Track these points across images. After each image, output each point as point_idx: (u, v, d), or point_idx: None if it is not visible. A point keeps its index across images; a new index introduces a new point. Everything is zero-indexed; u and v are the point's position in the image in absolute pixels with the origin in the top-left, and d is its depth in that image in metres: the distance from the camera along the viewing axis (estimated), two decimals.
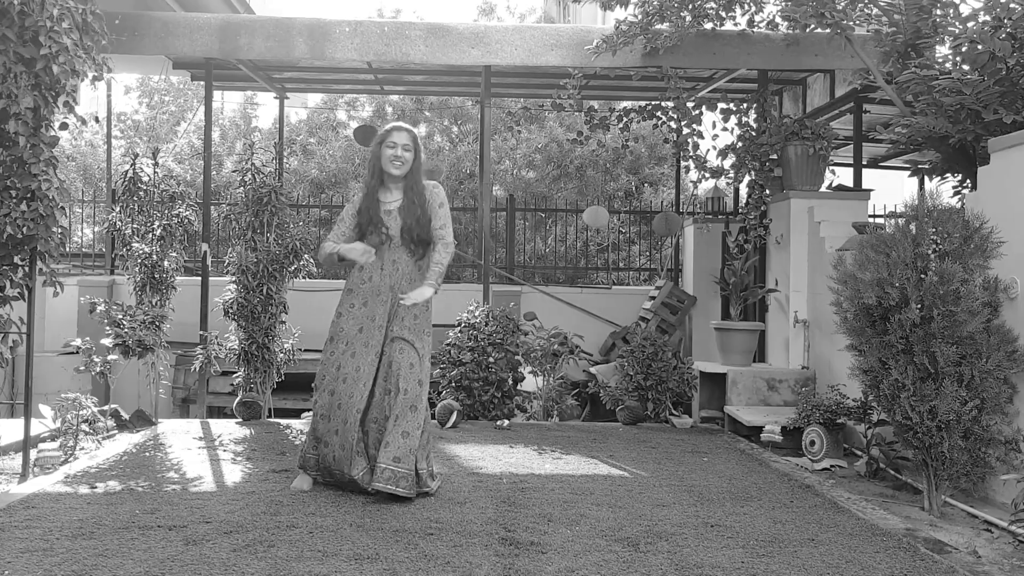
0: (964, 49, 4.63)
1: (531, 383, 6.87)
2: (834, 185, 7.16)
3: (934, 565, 3.16)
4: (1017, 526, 3.61)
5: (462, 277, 11.66)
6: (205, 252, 6.86)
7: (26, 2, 3.84)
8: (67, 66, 4.00)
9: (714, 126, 7.49)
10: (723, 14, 6.55)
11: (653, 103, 7.88)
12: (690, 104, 7.58)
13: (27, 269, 4.17)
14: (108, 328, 5.69)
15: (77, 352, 5.54)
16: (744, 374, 6.22)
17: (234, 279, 6.09)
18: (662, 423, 6.32)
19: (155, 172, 6.08)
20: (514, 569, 2.96)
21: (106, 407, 5.47)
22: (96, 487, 4.00)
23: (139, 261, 5.90)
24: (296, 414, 6.89)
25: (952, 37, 5.00)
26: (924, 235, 3.94)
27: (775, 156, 6.91)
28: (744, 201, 7.32)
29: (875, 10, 5.76)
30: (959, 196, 5.12)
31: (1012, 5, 4.52)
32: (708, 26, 6.58)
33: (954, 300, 3.76)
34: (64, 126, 4.21)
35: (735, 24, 6.73)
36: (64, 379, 6.21)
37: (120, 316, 5.69)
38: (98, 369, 5.51)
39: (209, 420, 6.24)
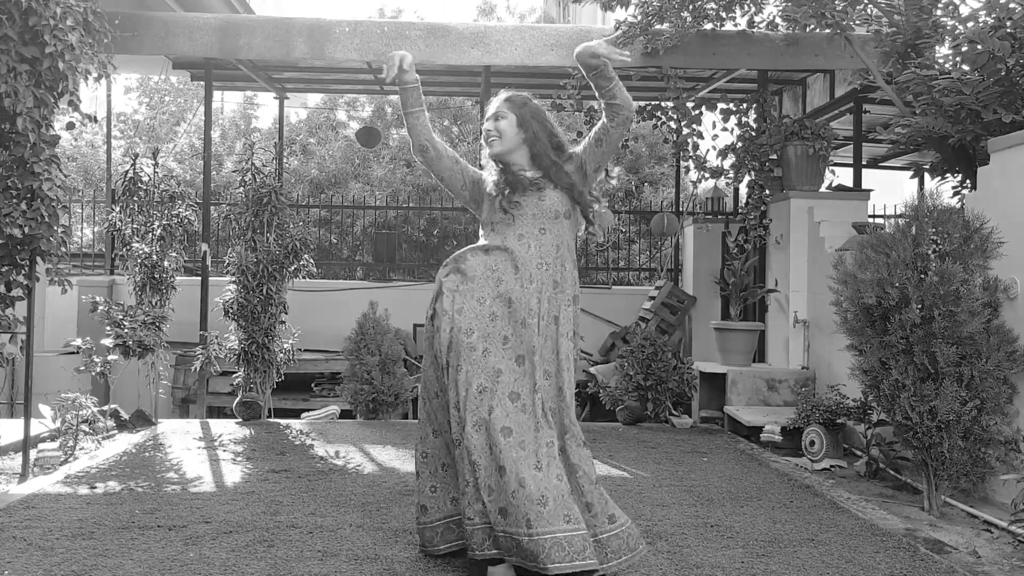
0: (964, 49, 4.62)
1: None
2: (834, 185, 7.15)
3: (934, 565, 3.16)
4: (1017, 526, 3.61)
5: None
6: (205, 252, 6.87)
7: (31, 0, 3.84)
8: (73, 63, 4.01)
9: (714, 126, 7.48)
10: (723, 15, 6.54)
11: (653, 103, 7.87)
12: (690, 104, 7.58)
13: (27, 269, 4.17)
14: (108, 328, 5.69)
15: (77, 352, 5.54)
16: (744, 374, 6.22)
17: (234, 279, 6.09)
18: (662, 423, 6.32)
19: (155, 172, 6.08)
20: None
21: (106, 407, 5.47)
22: (96, 487, 4.00)
23: (139, 261, 5.90)
24: (296, 414, 6.89)
25: (952, 37, 5.00)
26: (924, 235, 3.93)
27: (775, 156, 6.90)
28: (744, 201, 7.32)
29: (875, 10, 5.76)
30: (959, 196, 5.11)
31: (1012, 5, 4.52)
32: (708, 26, 6.58)
33: (954, 300, 3.76)
34: (71, 125, 4.21)
35: (735, 24, 6.73)
36: (64, 379, 6.19)
37: (120, 316, 5.69)
38: (98, 369, 5.51)
39: (209, 420, 6.25)
